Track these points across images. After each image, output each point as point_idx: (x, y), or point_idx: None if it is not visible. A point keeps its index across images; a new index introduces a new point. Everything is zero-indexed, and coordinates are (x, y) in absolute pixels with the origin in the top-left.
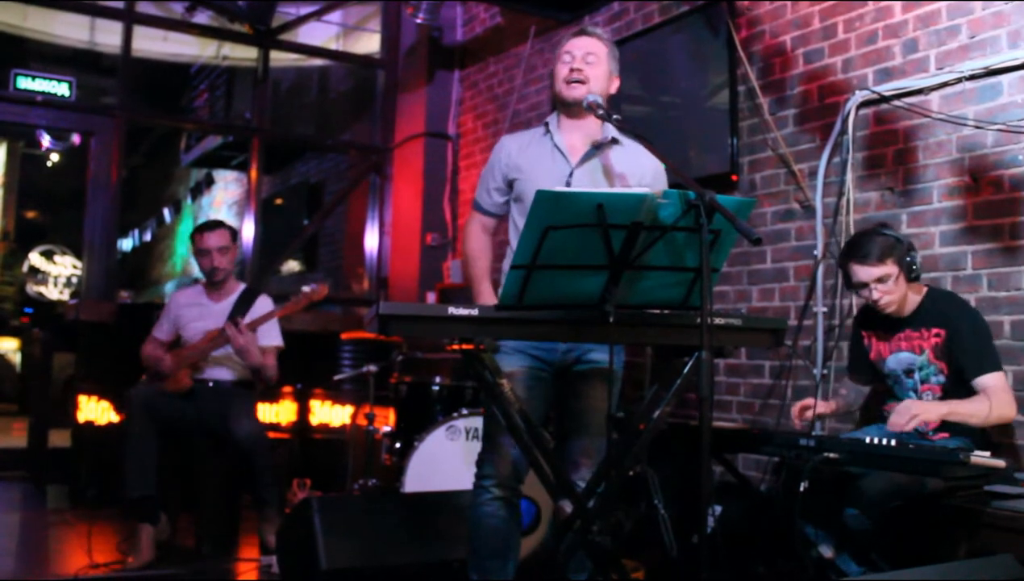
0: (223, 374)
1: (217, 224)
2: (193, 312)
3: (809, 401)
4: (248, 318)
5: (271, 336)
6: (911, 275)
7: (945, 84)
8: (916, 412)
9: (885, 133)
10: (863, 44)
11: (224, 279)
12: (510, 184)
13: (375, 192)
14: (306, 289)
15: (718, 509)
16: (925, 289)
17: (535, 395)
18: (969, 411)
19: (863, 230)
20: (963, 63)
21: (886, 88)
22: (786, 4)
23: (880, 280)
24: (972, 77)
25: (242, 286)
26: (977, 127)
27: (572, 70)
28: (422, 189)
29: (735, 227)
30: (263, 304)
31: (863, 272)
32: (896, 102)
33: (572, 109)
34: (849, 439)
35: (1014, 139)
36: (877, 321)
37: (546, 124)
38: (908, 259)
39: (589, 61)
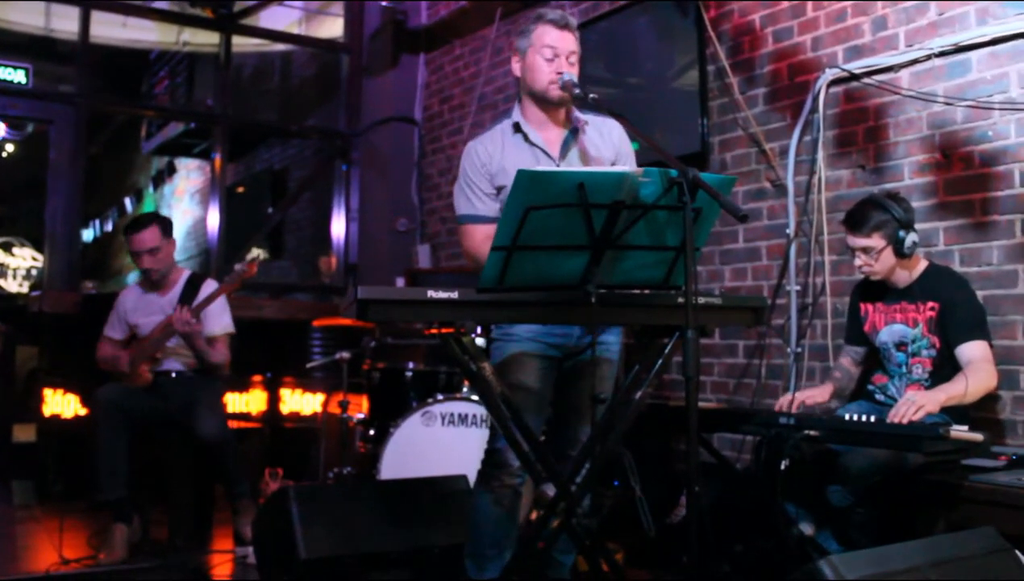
0: (183, 364)
1: (145, 221)
2: (142, 309)
3: (808, 393)
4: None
5: (218, 322)
6: (901, 252)
7: (915, 61)
8: (922, 403)
9: (855, 111)
10: (832, 22)
11: (163, 276)
12: (499, 189)
13: (341, 178)
14: (237, 267)
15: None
16: (926, 263)
17: (547, 382)
18: (959, 392)
19: (870, 197)
20: (932, 40)
21: (856, 66)
22: None
23: (864, 250)
24: (941, 54)
25: (186, 273)
26: (947, 104)
27: (559, 73)
28: (389, 174)
29: (721, 204)
30: (209, 289)
31: (850, 239)
32: (866, 80)
33: (548, 105)
34: (829, 417)
35: (984, 115)
36: (875, 291)
37: (515, 124)
38: (900, 236)
39: (571, 62)
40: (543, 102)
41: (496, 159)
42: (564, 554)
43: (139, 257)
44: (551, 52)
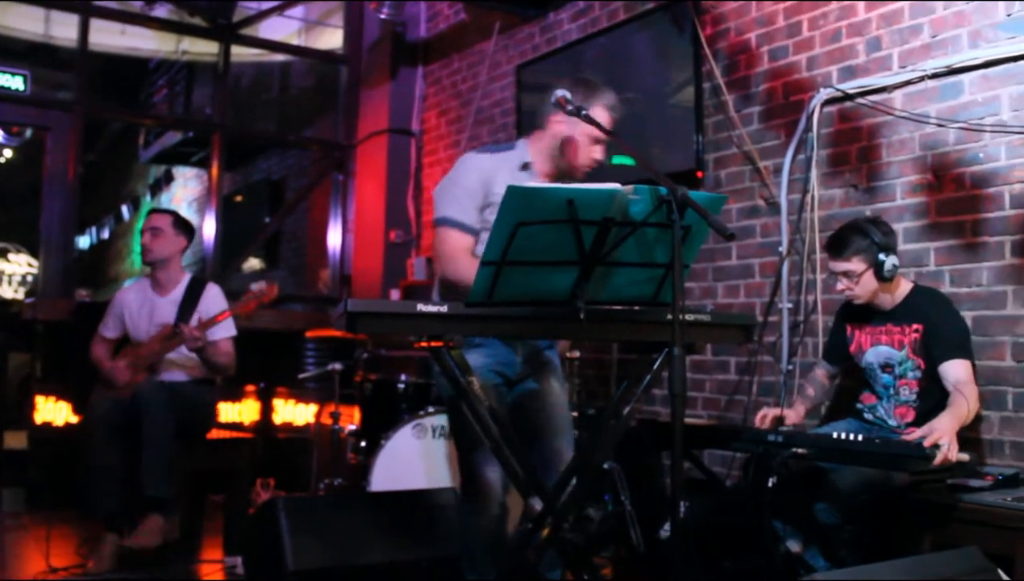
0: (179, 375)
1: (166, 210)
2: (140, 309)
3: (780, 412)
4: (199, 314)
5: (222, 329)
6: (882, 275)
7: (908, 82)
8: (940, 434)
9: (849, 130)
10: (827, 42)
11: (157, 264)
12: (487, 206)
13: (338, 189)
14: (254, 288)
15: (684, 505)
16: (911, 285)
17: (503, 405)
18: (963, 413)
19: (850, 222)
20: (925, 62)
21: (850, 86)
22: (751, 3)
23: (845, 274)
24: (934, 76)
25: (188, 276)
26: (939, 125)
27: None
28: (385, 186)
29: (708, 223)
30: (213, 296)
31: (831, 263)
32: (860, 100)
33: (563, 168)
34: (817, 435)
35: (975, 137)
36: (861, 313)
37: (526, 164)
38: (880, 259)
39: None
40: (565, 165)
41: (499, 185)
42: (547, 571)
43: (143, 234)
44: (597, 141)
